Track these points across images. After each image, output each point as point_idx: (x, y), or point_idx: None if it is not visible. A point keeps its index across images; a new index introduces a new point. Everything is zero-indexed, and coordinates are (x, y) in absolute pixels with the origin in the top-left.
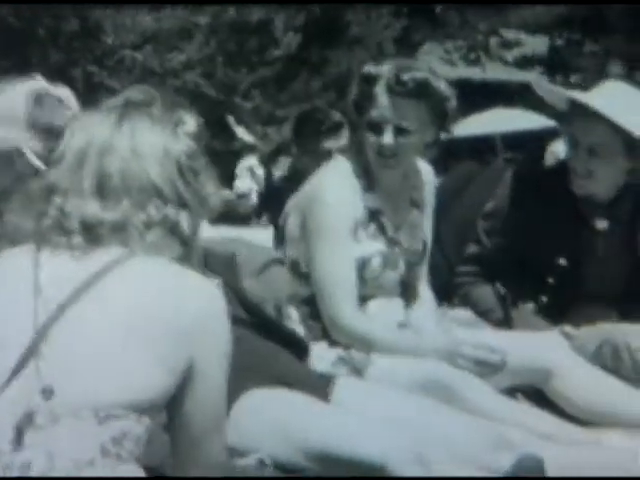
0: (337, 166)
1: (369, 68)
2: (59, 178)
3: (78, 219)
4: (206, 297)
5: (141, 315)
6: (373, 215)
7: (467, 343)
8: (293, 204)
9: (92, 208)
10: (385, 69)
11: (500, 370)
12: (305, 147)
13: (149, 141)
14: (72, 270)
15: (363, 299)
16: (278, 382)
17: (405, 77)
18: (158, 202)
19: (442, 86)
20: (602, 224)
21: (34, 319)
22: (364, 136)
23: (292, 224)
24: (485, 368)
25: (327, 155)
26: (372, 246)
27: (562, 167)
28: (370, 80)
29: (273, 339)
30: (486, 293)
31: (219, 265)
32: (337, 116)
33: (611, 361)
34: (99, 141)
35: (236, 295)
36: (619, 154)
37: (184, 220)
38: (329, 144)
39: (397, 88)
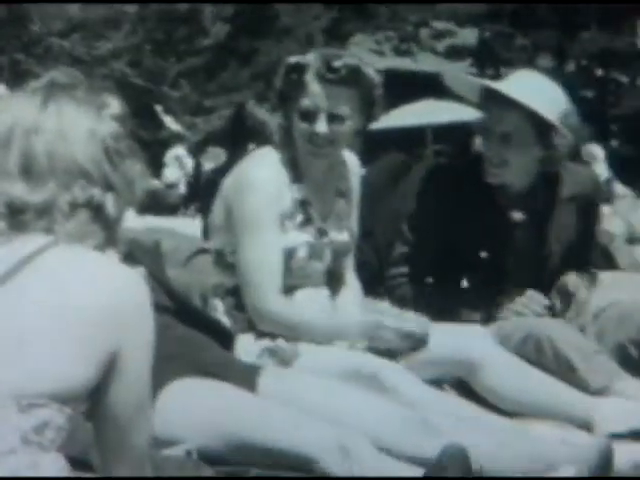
0: (264, 156)
1: (295, 58)
2: None
3: (4, 202)
4: (128, 286)
5: (63, 304)
6: (300, 206)
7: (391, 314)
8: (219, 193)
9: (18, 190)
10: (313, 58)
11: (425, 344)
12: (238, 143)
13: (75, 122)
14: None
15: (289, 289)
16: (204, 371)
17: (337, 64)
18: (84, 183)
19: (372, 73)
20: (518, 215)
21: None
22: (295, 125)
23: (217, 213)
24: (409, 341)
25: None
26: (299, 237)
27: (479, 159)
28: (298, 69)
29: (198, 328)
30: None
31: (144, 254)
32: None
33: (534, 354)
34: (25, 122)
35: (161, 284)
36: (532, 142)
37: (110, 203)
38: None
39: (329, 75)
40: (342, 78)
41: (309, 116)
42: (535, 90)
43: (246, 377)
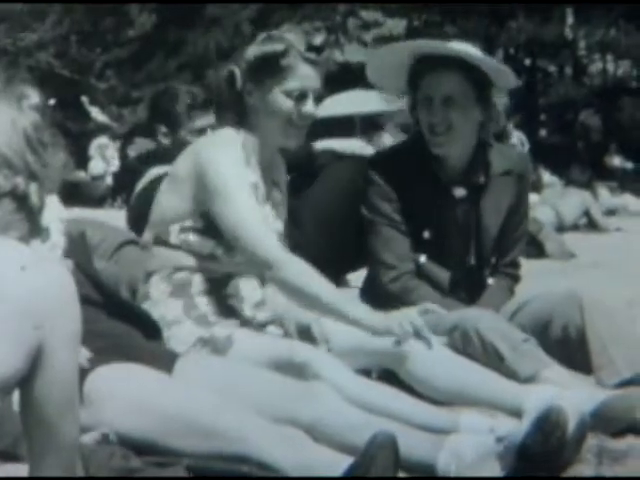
0: (224, 139)
1: (274, 45)
2: None
3: None
4: (52, 279)
5: None
6: (254, 186)
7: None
8: (171, 178)
9: None
10: (291, 39)
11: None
12: (168, 127)
13: None
14: None
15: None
16: (122, 358)
17: (316, 43)
18: (7, 172)
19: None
20: (460, 191)
21: None
22: (274, 105)
23: (164, 194)
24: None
25: (199, 133)
26: (263, 213)
27: (415, 138)
28: (281, 54)
29: (125, 320)
30: None
31: (71, 246)
32: (200, 94)
33: (461, 344)
34: None
35: (88, 276)
36: (472, 103)
37: (33, 192)
38: (200, 122)
39: (313, 55)
40: (321, 57)
41: (298, 96)
42: (471, 49)
43: (165, 363)
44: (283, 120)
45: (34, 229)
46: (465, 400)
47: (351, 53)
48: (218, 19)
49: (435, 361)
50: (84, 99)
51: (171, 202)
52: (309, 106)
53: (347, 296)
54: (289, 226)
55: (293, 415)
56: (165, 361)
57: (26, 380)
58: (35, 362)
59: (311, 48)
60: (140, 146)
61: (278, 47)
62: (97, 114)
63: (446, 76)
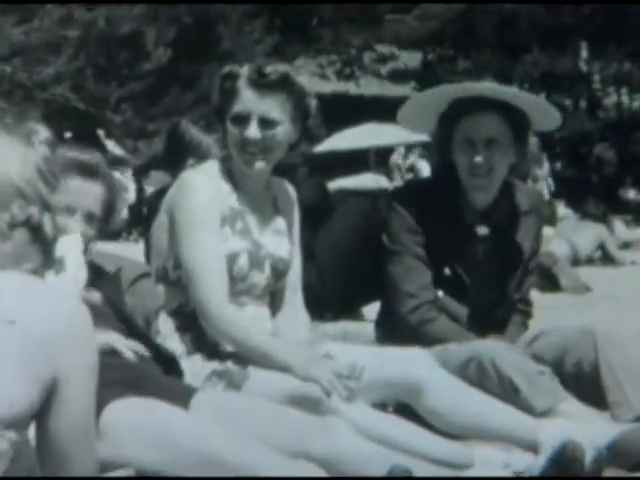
0: (203, 167)
1: (229, 67)
2: None
3: None
4: (68, 313)
5: (3, 329)
6: (239, 215)
7: (328, 366)
8: (161, 209)
9: None
10: (245, 67)
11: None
12: (176, 163)
13: (8, 148)
14: None
15: (233, 303)
16: (139, 392)
17: (267, 69)
18: (21, 202)
19: (302, 82)
20: (483, 230)
21: None
22: (228, 133)
23: (158, 228)
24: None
25: None
26: (239, 242)
27: (444, 175)
28: (231, 77)
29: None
30: None
31: (103, 280)
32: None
33: (476, 377)
34: None
35: (114, 309)
36: (510, 145)
37: (47, 222)
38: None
39: (260, 80)
40: (272, 83)
41: (240, 121)
42: (507, 91)
43: (182, 398)
44: (232, 145)
45: (48, 260)
46: (480, 434)
47: (366, 86)
48: (233, 53)
49: (450, 395)
50: (100, 132)
51: (162, 236)
52: (251, 130)
53: (280, 345)
54: (304, 261)
55: (308, 449)
56: (182, 396)
57: (41, 413)
58: (50, 395)
59: (259, 73)
60: (155, 179)
61: (225, 71)
62: (113, 147)
63: (487, 118)
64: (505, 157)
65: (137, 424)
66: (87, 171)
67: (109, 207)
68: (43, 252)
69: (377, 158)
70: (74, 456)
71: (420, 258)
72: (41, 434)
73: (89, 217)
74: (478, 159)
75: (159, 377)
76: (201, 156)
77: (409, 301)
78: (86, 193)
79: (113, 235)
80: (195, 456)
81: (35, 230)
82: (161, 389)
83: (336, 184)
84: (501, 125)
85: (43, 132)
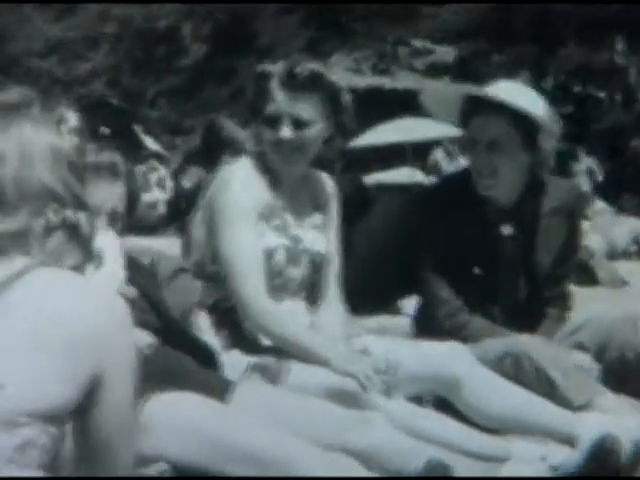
0: (240, 163)
1: (262, 66)
2: None
3: None
4: (110, 307)
5: (46, 326)
6: (275, 211)
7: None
8: (199, 204)
9: None
10: (278, 66)
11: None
12: (213, 158)
13: (36, 144)
14: None
15: (271, 297)
16: (177, 386)
17: (298, 69)
18: (55, 206)
19: (334, 78)
20: (507, 230)
21: None
22: (262, 133)
23: (196, 223)
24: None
25: None
26: (275, 238)
27: (465, 174)
28: (265, 77)
29: (184, 348)
30: None
31: (139, 273)
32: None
33: (513, 372)
34: None
35: (151, 304)
36: (518, 147)
37: (83, 221)
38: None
39: (291, 81)
40: (303, 83)
41: (273, 122)
42: (518, 94)
43: (217, 390)
44: (266, 145)
45: (87, 256)
46: (517, 428)
47: (401, 80)
48: (268, 49)
49: (488, 389)
50: (137, 128)
51: (200, 231)
52: (283, 131)
53: (317, 339)
54: (341, 256)
55: (345, 443)
56: (220, 390)
57: (82, 408)
58: (91, 391)
59: (289, 74)
60: (193, 174)
61: (259, 71)
62: (150, 143)
63: (492, 120)
64: (512, 159)
65: (175, 418)
66: (107, 172)
67: (132, 202)
68: (82, 248)
69: (413, 152)
70: (114, 450)
71: (448, 262)
72: (81, 429)
73: (113, 216)
74: (478, 160)
75: (197, 371)
76: (236, 152)
77: (442, 307)
78: (108, 194)
79: (150, 230)
80: (233, 450)
81: (72, 230)
82: (199, 383)
83: (372, 178)
84: (507, 127)
85: (73, 119)
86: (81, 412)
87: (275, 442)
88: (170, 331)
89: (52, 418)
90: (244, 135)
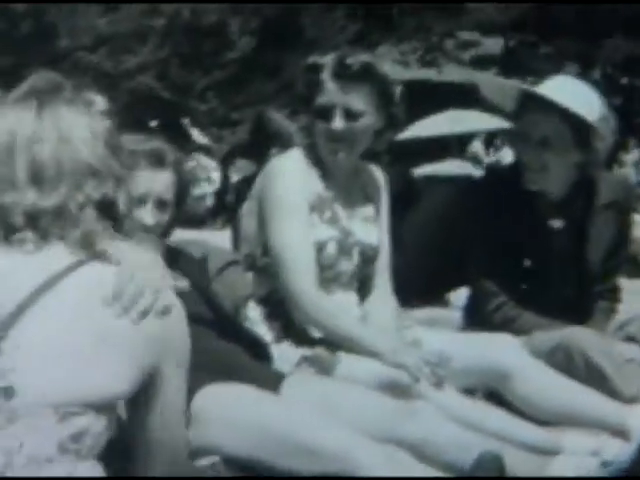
0: (291, 154)
1: (314, 58)
2: None
3: (21, 212)
4: (170, 305)
5: (104, 318)
6: (326, 203)
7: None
8: (249, 196)
9: (30, 198)
10: (329, 57)
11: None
12: (261, 150)
13: (73, 124)
14: (27, 268)
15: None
16: (228, 377)
17: (349, 61)
18: (94, 182)
19: (386, 70)
20: (557, 223)
21: None
22: (314, 124)
23: (247, 215)
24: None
25: None
26: (327, 231)
27: (514, 168)
28: (316, 69)
29: (235, 340)
30: None
31: (190, 266)
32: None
33: (564, 364)
34: (24, 133)
35: (203, 295)
36: (570, 146)
37: (121, 199)
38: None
39: (342, 71)
40: (355, 74)
41: (325, 113)
42: (572, 93)
43: (269, 383)
44: (318, 136)
45: (119, 235)
46: (569, 420)
47: (448, 73)
48: (316, 42)
49: (539, 381)
50: (185, 121)
51: (251, 223)
52: (336, 122)
53: (368, 331)
54: (391, 248)
55: (397, 434)
56: (271, 381)
57: (137, 399)
58: (149, 385)
59: (341, 65)
60: (240, 167)
61: (309, 62)
62: (198, 136)
63: (544, 117)
64: (563, 157)
65: (227, 409)
66: (154, 160)
67: (181, 192)
68: (115, 227)
69: (460, 145)
70: (166, 441)
71: (497, 254)
72: (135, 421)
73: (161, 205)
74: (528, 156)
75: (249, 363)
76: (284, 144)
77: (492, 300)
78: (155, 182)
79: (199, 223)
80: (285, 441)
81: (109, 207)
82: (251, 375)
83: (421, 171)
84: (558, 125)
85: (101, 102)
86: (137, 404)
87: (327, 432)
88: (222, 323)
89: (105, 408)
90: (292, 127)
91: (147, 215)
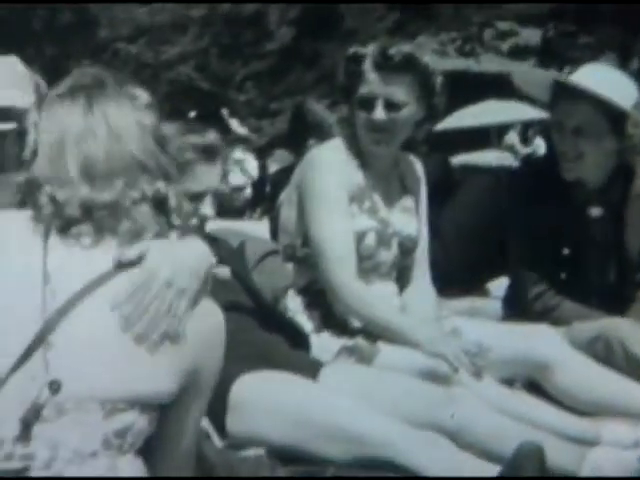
0: (331, 144)
1: (355, 48)
2: (41, 170)
3: (76, 204)
4: (213, 310)
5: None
6: (366, 193)
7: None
8: (288, 186)
9: (84, 192)
10: (371, 47)
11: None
12: (300, 141)
13: (122, 119)
14: (82, 261)
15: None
16: (267, 366)
17: (391, 51)
18: (148, 177)
19: (428, 61)
20: (596, 211)
21: (42, 307)
22: (355, 114)
23: (286, 206)
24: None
25: None
26: (366, 221)
27: (551, 157)
28: (357, 59)
29: (275, 328)
30: None
31: (228, 254)
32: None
33: (604, 355)
34: (74, 129)
35: (242, 284)
36: (605, 133)
37: (172, 195)
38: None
39: (384, 62)
40: (397, 65)
41: (367, 103)
42: (605, 81)
43: (307, 370)
44: (359, 126)
45: (169, 230)
46: (609, 411)
47: (487, 63)
48: (355, 31)
49: (578, 372)
50: (224, 111)
51: (290, 214)
52: (377, 113)
53: (407, 321)
54: (430, 238)
55: (437, 421)
56: (309, 369)
57: (177, 401)
58: (189, 385)
59: (383, 55)
60: (279, 157)
61: (350, 52)
62: (237, 126)
63: (578, 105)
64: (599, 145)
65: (266, 397)
66: (210, 153)
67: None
68: (166, 224)
69: (498, 135)
70: (189, 437)
71: (537, 243)
72: (172, 419)
73: (218, 198)
74: (564, 145)
75: (288, 351)
76: (324, 134)
77: (532, 288)
78: (212, 175)
79: (237, 213)
80: (325, 428)
81: (161, 202)
82: (290, 362)
83: (459, 159)
84: (593, 114)
85: (144, 96)
86: (176, 403)
87: (367, 419)
88: (262, 312)
89: (149, 406)
90: (332, 118)
91: (207, 208)
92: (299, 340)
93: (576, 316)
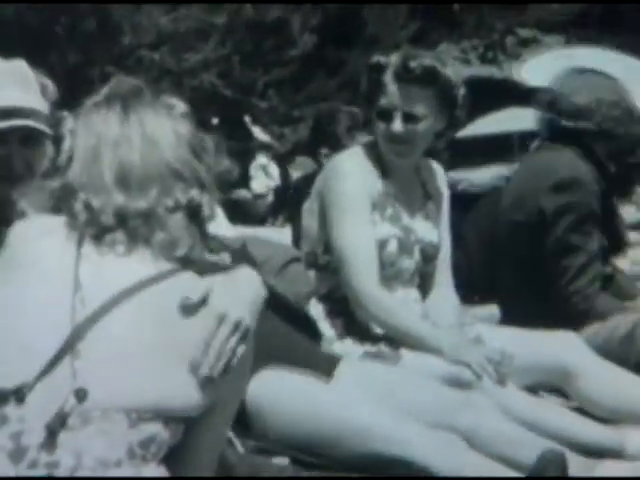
0: (352, 152)
1: (377, 58)
2: (76, 176)
3: (111, 212)
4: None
5: (183, 331)
6: (388, 200)
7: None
8: (311, 194)
9: (118, 200)
10: (393, 58)
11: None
12: (330, 148)
13: (158, 128)
14: (114, 270)
15: (383, 286)
16: (284, 362)
17: (412, 64)
18: (182, 186)
19: (449, 73)
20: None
21: (71, 315)
22: (375, 124)
23: (308, 213)
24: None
25: None
26: (389, 229)
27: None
28: (379, 69)
29: (289, 322)
30: None
31: (234, 256)
32: (360, 115)
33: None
34: (110, 136)
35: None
36: None
37: (206, 203)
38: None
39: (405, 75)
40: (417, 77)
41: (386, 115)
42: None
43: (325, 367)
44: (378, 136)
45: (202, 239)
46: (633, 418)
47: (509, 70)
48: (377, 39)
49: (602, 378)
50: (246, 118)
51: (312, 221)
52: (395, 125)
53: (430, 328)
54: (452, 244)
55: (452, 422)
56: (325, 364)
57: (207, 413)
58: (215, 401)
59: (404, 68)
60: (300, 164)
61: (373, 61)
62: (259, 133)
63: None
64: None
65: (281, 394)
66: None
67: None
68: (198, 234)
69: (520, 143)
70: (210, 447)
71: (594, 253)
72: (201, 431)
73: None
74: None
75: (303, 345)
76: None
77: (575, 297)
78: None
79: (259, 220)
80: (339, 426)
81: (195, 211)
82: (305, 358)
83: (458, 175)
84: None
85: (180, 106)
86: (203, 416)
87: (382, 417)
88: (277, 306)
89: (174, 418)
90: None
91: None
92: (309, 328)
93: (611, 309)
